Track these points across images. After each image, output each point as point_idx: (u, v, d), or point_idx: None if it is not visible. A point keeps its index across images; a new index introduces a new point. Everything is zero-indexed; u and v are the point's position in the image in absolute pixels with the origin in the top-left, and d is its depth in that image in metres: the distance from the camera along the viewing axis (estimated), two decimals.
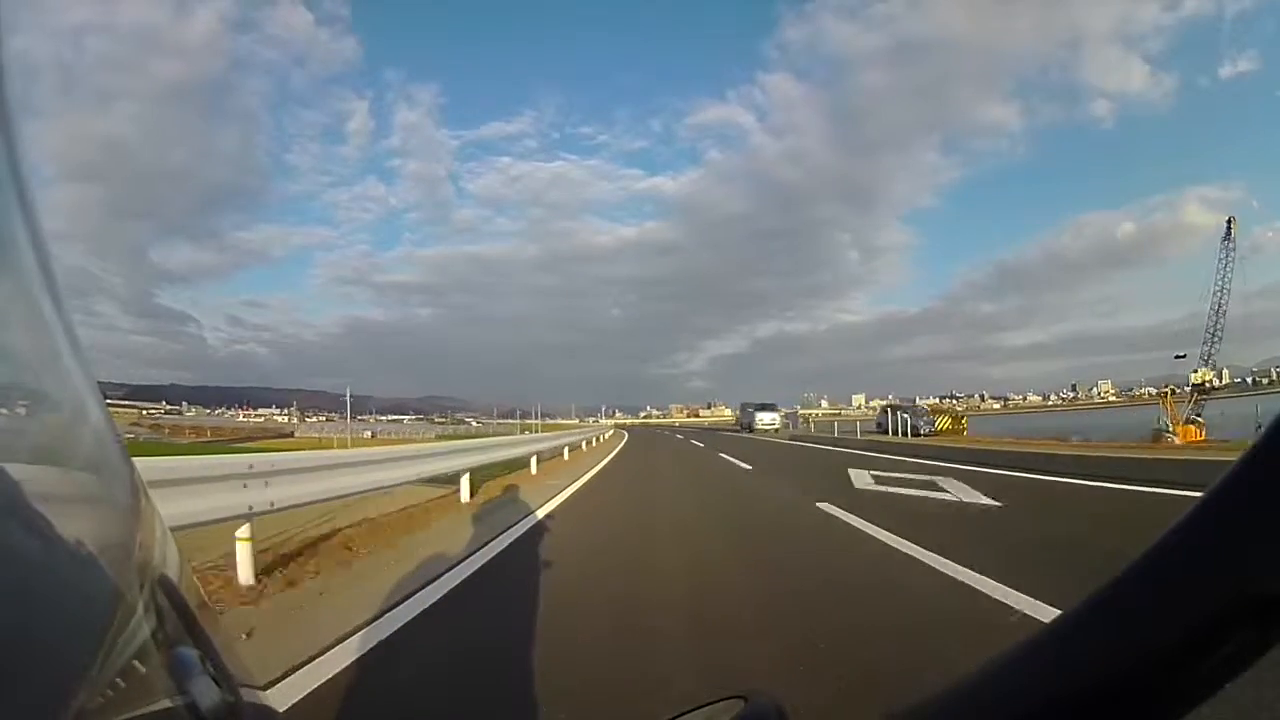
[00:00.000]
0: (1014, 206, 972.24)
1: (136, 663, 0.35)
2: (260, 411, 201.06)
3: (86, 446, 0.40)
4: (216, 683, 0.42)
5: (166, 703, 0.37)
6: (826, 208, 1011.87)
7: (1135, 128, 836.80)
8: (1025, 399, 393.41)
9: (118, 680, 0.33)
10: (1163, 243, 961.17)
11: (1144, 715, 0.22)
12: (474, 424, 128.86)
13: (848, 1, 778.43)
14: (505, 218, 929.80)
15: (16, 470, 0.30)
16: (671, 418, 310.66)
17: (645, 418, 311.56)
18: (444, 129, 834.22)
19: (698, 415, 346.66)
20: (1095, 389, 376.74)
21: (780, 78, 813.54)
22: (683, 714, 0.51)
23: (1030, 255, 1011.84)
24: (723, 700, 0.49)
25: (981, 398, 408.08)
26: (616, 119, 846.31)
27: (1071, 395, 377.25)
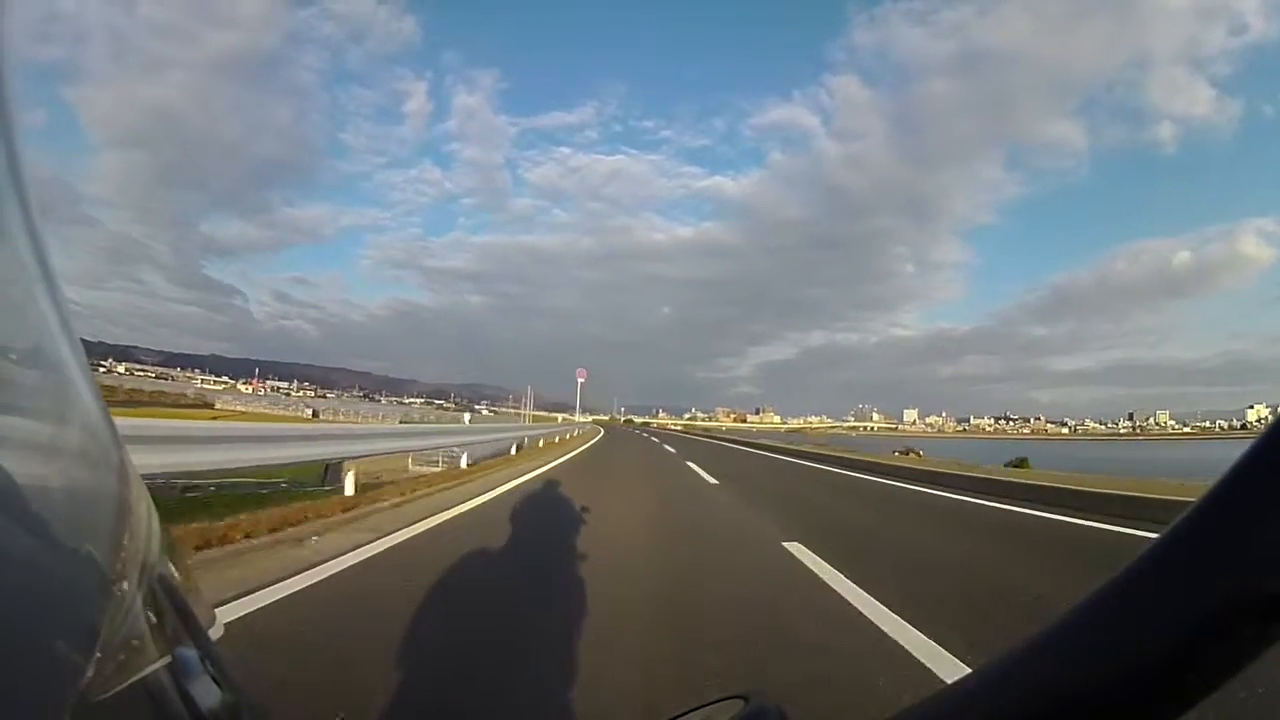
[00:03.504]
0: (1072, 228, 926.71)
1: (136, 663, 0.34)
2: (223, 380, 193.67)
3: (78, 438, 0.38)
4: (216, 683, 0.41)
5: (167, 702, 0.36)
6: (886, 218, 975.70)
7: (1198, 154, 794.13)
8: (1084, 423, 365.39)
9: (116, 680, 0.32)
10: (1217, 274, 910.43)
11: (1144, 715, 0.22)
12: (485, 411, 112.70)
13: (917, 6, 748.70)
14: (561, 209, 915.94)
15: (7, 464, 0.28)
16: (718, 421, 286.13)
17: (690, 419, 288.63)
18: (503, 115, 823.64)
19: (744, 420, 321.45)
20: (1152, 419, 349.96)
21: (847, 80, 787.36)
22: (683, 714, 0.50)
23: (1085, 279, 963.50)
24: (723, 700, 0.48)
25: (1034, 420, 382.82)
26: (679, 115, 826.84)
27: (1129, 425, 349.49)
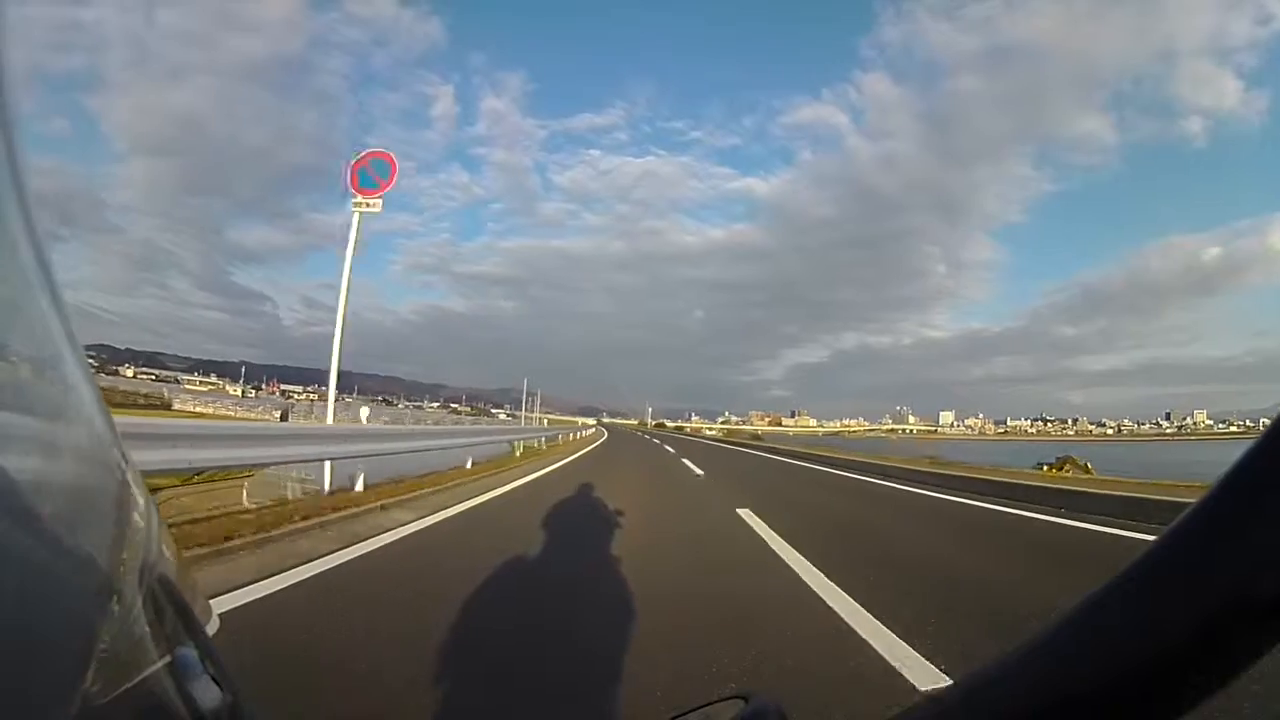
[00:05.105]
0: (1102, 225, 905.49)
1: (136, 663, 0.34)
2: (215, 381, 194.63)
3: (78, 438, 0.38)
4: (216, 682, 0.41)
5: (167, 703, 0.36)
6: (917, 217, 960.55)
7: (1226, 147, 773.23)
8: (1123, 424, 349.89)
9: (117, 681, 0.32)
10: (1247, 269, 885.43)
11: (1144, 715, 0.22)
12: (503, 415, 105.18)
13: (942, 1, 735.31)
14: (592, 213, 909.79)
15: (7, 465, 0.28)
16: (753, 425, 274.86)
17: (724, 423, 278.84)
18: (531, 118, 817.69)
19: (779, 424, 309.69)
20: (1189, 418, 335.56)
21: (876, 77, 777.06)
22: (683, 714, 0.50)
23: (1115, 277, 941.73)
24: (723, 700, 0.48)
25: (1074, 421, 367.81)
26: (709, 115, 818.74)
27: (1169, 425, 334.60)
